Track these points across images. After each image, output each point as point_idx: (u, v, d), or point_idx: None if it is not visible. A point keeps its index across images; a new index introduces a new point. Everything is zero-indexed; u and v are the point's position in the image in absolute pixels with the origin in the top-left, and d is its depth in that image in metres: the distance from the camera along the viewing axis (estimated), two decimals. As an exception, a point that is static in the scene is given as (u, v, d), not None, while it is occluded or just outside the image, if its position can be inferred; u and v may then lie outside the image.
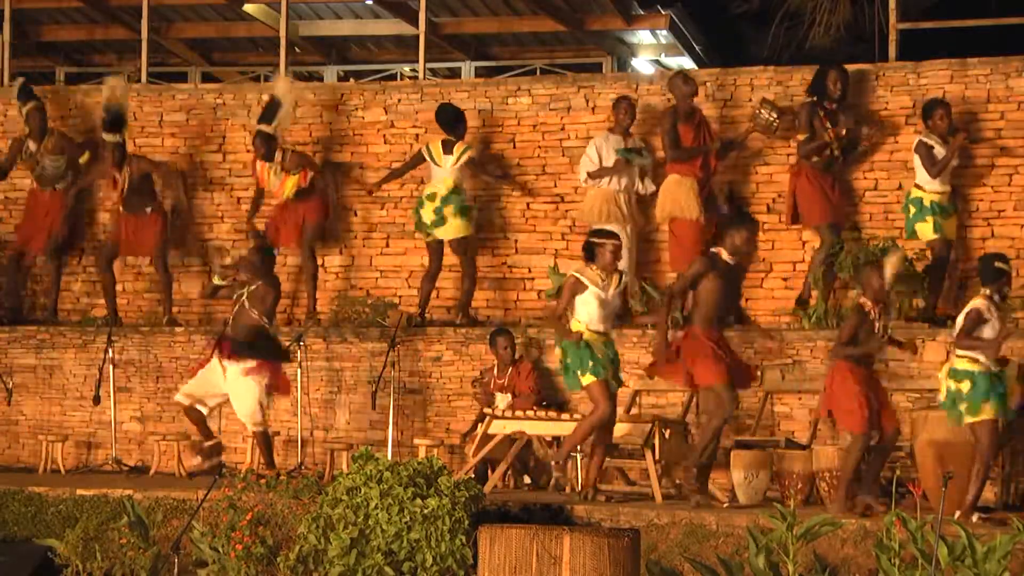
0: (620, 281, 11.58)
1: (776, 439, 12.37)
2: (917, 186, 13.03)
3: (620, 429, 11.94)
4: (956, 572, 8.82)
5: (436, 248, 13.99)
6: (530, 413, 12.22)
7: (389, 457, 12.09)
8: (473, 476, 11.62)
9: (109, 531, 11.30)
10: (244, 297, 12.65)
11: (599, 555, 8.70)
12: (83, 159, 15.03)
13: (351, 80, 17.35)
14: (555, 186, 14.29)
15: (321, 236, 14.53)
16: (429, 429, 13.55)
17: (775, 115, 13.44)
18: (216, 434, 12.86)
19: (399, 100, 14.86)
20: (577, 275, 11.51)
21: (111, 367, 13.78)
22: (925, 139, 13.00)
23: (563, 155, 14.33)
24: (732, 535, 10.55)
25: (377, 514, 10.30)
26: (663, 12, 17.76)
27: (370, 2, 17.63)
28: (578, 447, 12.06)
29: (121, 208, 14.58)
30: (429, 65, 16.09)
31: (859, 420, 10.93)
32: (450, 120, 13.97)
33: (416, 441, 13.32)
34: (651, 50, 18.98)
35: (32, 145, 14.93)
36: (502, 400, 12.92)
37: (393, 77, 18.71)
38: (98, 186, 15.11)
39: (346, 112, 14.99)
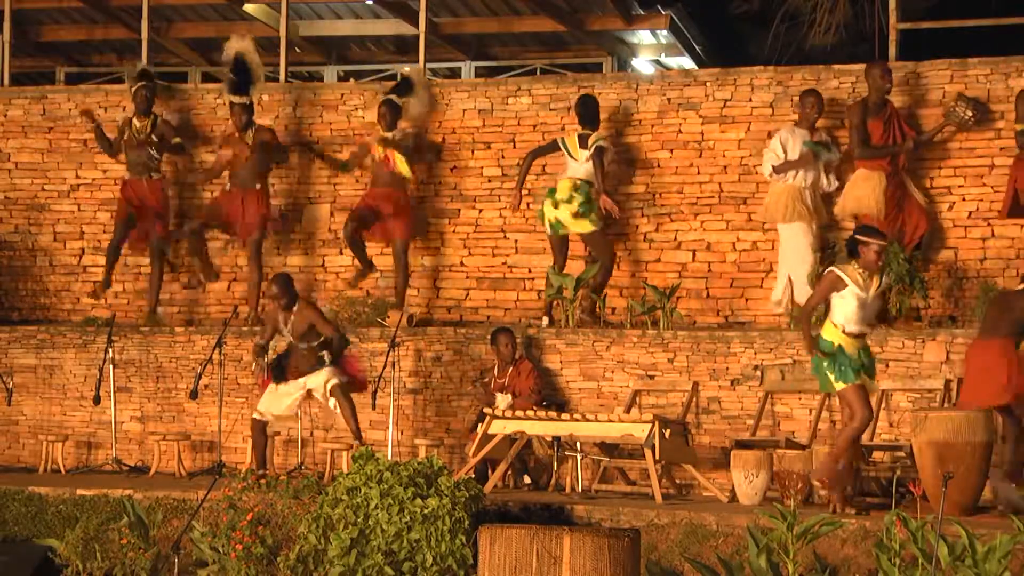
0: (881, 281, 11.05)
1: (776, 439, 12.37)
2: None
3: (620, 429, 11.94)
4: (956, 572, 8.82)
5: (560, 243, 13.79)
6: (530, 413, 12.21)
7: (389, 457, 12.09)
8: (473, 476, 11.62)
9: (109, 531, 11.30)
10: (289, 335, 12.64)
11: (599, 555, 8.70)
12: (175, 140, 14.81)
13: (351, 80, 17.31)
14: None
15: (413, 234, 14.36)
16: (429, 429, 13.55)
17: (970, 111, 13.15)
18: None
19: (404, 101, 14.83)
20: (837, 271, 10.89)
21: (111, 367, 13.79)
22: None
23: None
24: (732, 535, 10.55)
25: (377, 514, 10.30)
26: (663, 12, 17.75)
27: (370, 2, 17.63)
28: (577, 448, 12.09)
29: (227, 184, 14.45)
30: (429, 65, 16.09)
31: None
32: (592, 115, 13.74)
33: (416, 441, 13.32)
34: (651, 50, 18.97)
35: (137, 123, 14.72)
36: (502, 400, 12.92)
37: (393, 77, 18.67)
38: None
39: (346, 112, 14.99)
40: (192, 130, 15.23)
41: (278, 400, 12.66)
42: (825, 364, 10.84)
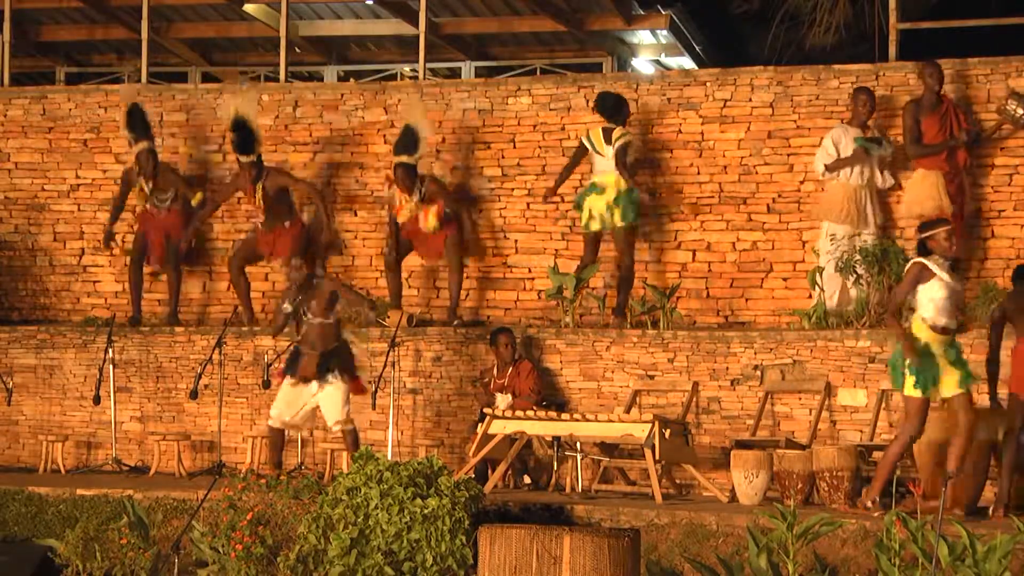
0: (958, 269, 10.72)
1: (776, 439, 12.37)
2: None
3: (620, 429, 11.94)
4: (956, 572, 8.82)
5: (592, 240, 13.74)
6: (530, 413, 12.21)
7: (389, 457, 12.09)
8: (473, 476, 11.62)
9: (109, 531, 11.30)
10: (308, 311, 12.53)
11: (599, 555, 8.70)
12: (195, 200, 14.59)
13: (351, 80, 17.30)
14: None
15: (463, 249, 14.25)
16: (429, 429, 13.55)
17: (1021, 109, 13.02)
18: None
19: (399, 100, 14.84)
20: (923, 260, 10.45)
21: (111, 367, 13.79)
22: None
23: (563, 155, 14.28)
24: (732, 535, 10.55)
25: (377, 514, 10.30)
26: (663, 12, 17.76)
27: (370, 2, 17.64)
28: (577, 448, 12.10)
29: (260, 224, 14.24)
30: (429, 65, 16.09)
31: None
32: (611, 108, 13.69)
33: (416, 441, 13.32)
34: (651, 50, 18.98)
35: (144, 184, 14.54)
36: (502, 400, 12.92)
37: (393, 77, 18.71)
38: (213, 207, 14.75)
39: (346, 112, 14.99)
40: (192, 130, 15.23)
41: (290, 408, 12.57)
42: (907, 364, 10.50)
